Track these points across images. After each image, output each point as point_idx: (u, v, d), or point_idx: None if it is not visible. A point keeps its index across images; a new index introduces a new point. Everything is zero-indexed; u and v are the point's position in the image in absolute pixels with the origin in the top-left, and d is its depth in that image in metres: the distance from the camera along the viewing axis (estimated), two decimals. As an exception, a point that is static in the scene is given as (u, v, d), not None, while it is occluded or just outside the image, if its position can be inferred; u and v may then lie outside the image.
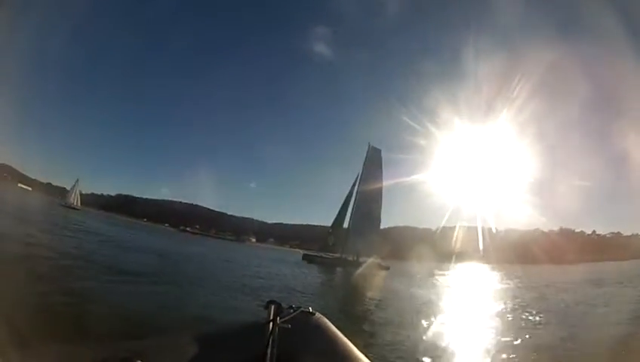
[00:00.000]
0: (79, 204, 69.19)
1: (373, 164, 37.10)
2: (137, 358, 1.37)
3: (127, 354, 1.39)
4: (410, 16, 51.28)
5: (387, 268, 34.82)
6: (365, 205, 35.95)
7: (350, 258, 34.66)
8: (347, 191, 36.89)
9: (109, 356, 1.37)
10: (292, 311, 1.74)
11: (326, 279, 22.78)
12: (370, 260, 35.43)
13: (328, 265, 31.06)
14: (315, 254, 34.23)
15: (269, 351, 1.46)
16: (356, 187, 36.23)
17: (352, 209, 36.23)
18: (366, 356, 1.61)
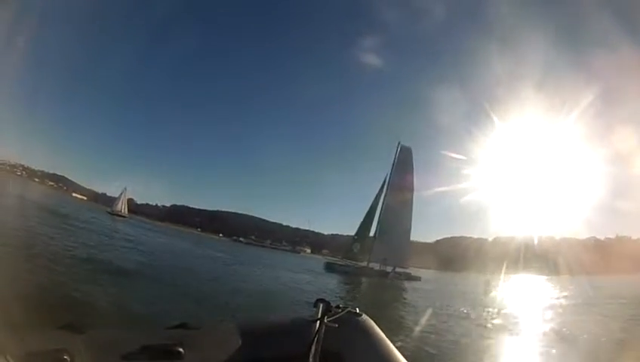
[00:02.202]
0: (126, 211, 72.78)
1: (404, 164, 33.61)
2: (180, 347, 1.41)
3: (172, 342, 1.43)
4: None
5: (418, 279, 31.32)
6: (394, 210, 32.43)
7: (378, 267, 31.57)
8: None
9: (154, 343, 1.41)
10: (340, 310, 1.71)
11: (345, 289, 19.90)
12: (401, 271, 32.18)
13: (351, 274, 28.04)
14: (338, 262, 31.33)
15: (313, 347, 1.46)
16: (384, 190, 32.95)
17: (380, 214, 32.86)
18: (407, 360, 1.57)
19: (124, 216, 63.25)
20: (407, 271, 32.25)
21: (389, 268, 31.17)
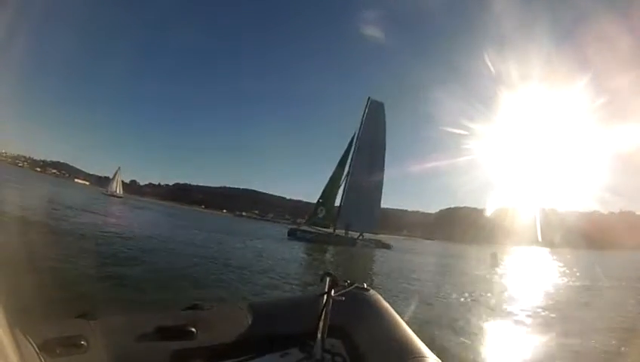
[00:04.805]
0: (121, 191, 73.09)
1: (374, 121, 29.99)
2: (193, 327, 1.47)
3: (184, 323, 1.48)
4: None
5: (389, 247, 28.14)
6: (362, 170, 29.03)
7: (350, 234, 28.48)
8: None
9: (168, 324, 1.46)
10: (347, 285, 1.69)
11: (301, 261, 16.37)
12: (371, 237, 29.01)
13: (314, 241, 24.93)
14: (302, 228, 28.11)
15: (321, 321, 1.49)
16: (352, 149, 29.44)
17: (347, 175, 29.40)
18: (417, 335, 1.52)
19: (120, 197, 63.41)
20: (378, 237, 29.11)
21: (357, 235, 28.14)
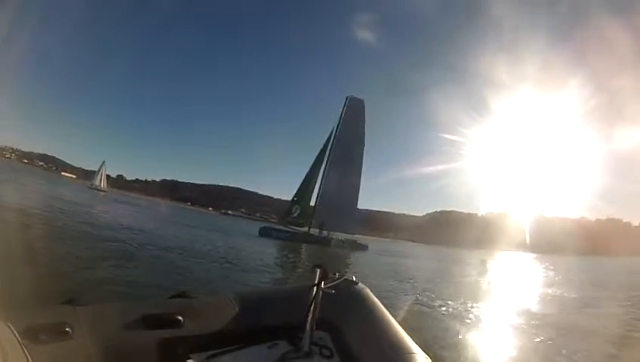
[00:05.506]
0: (105, 185, 72.01)
1: (354, 117, 29.09)
2: (180, 316, 1.46)
3: (171, 312, 1.48)
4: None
5: (365, 248, 27.28)
6: (339, 168, 28.10)
7: (322, 234, 27.49)
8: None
9: (155, 313, 1.45)
10: (337, 278, 1.67)
11: (270, 261, 15.32)
12: (347, 238, 28.08)
13: (287, 240, 23.95)
14: (276, 227, 27.04)
15: (310, 313, 1.48)
16: (330, 146, 28.49)
17: (324, 172, 28.47)
18: (404, 329, 1.54)
19: (104, 191, 62.56)
20: (356, 238, 28.23)
21: (332, 235, 27.21)
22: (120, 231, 12.93)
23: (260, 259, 13.44)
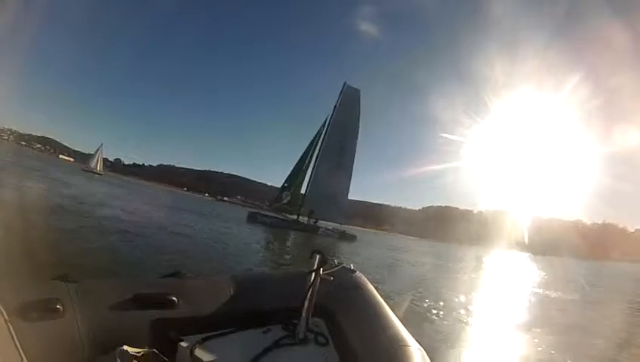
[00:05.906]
0: (101, 168, 71.52)
1: (349, 107, 28.64)
2: (174, 296, 1.45)
3: (165, 291, 1.47)
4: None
5: (353, 239, 26.84)
6: (331, 157, 27.68)
7: (310, 222, 27.05)
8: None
9: (149, 291, 1.44)
10: (335, 265, 1.68)
11: (251, 248, 14.85)
12: (336, 227, 27.64)
13: (274, 226, 23.52)
14: (263, 213, 26.64)
15: (307, 299, 1.47)
16: (322, 134, 28.06)
17: (315, 161, 28.03)
18: (399, 318, 1.54)
19: (99, 174, 62.07)
20: (342, 228, 27.81)
21: (320, 224, 26.77)
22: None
23: (244, 243, 13.44)
